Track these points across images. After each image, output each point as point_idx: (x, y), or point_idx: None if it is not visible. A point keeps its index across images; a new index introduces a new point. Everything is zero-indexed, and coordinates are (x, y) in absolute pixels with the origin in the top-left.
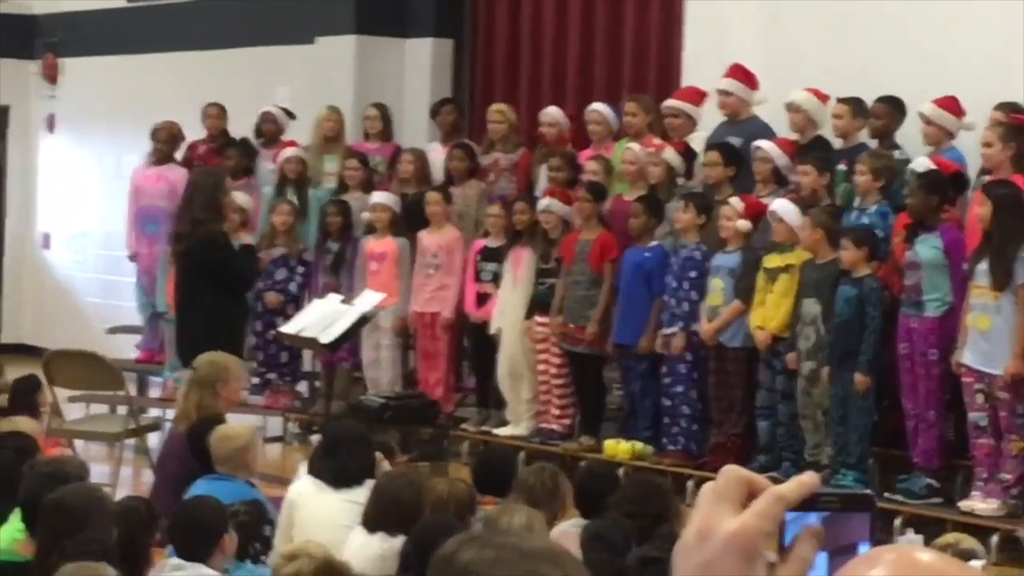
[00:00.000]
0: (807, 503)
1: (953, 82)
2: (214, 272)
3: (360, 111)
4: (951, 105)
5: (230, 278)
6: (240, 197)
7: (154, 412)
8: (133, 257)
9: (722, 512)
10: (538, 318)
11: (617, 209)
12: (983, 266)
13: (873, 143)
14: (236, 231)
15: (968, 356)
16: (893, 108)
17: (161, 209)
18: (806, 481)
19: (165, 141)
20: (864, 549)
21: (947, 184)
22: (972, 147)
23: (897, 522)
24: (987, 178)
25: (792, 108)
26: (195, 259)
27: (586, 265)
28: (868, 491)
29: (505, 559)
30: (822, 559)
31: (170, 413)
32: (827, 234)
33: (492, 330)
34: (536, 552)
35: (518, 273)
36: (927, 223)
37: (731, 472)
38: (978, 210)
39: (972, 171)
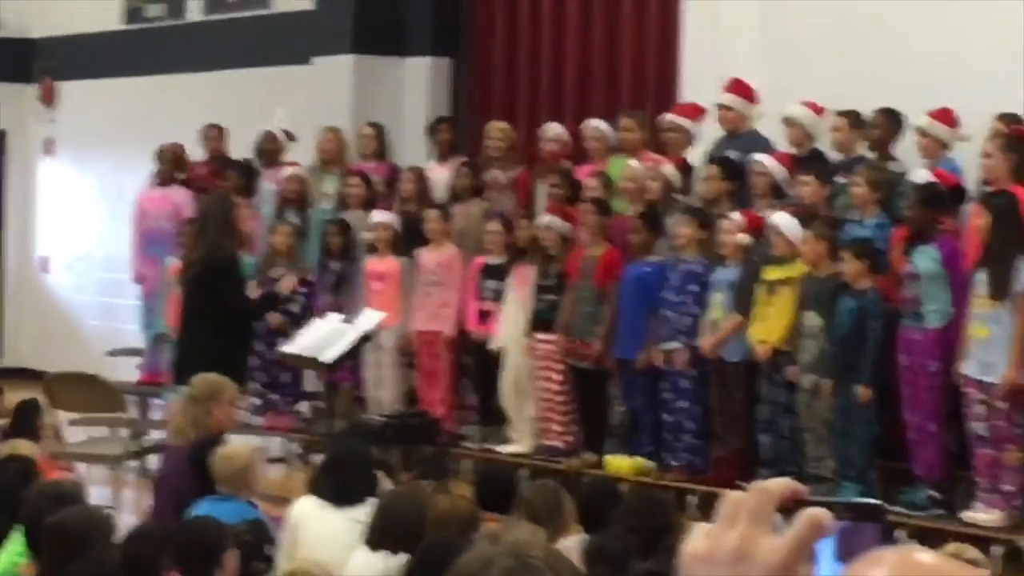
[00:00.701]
0: None
1: (952, 94)
2: (220, 299)
3: (357, 130)
4: (946, 117)
5: (236, 303)
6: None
7: (156, 434)
8: (138, 279)
9: (761, 535)
10: (539, 335)
11: (617, 225)
12: (982, 276)
13: (871, 156)
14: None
15: (968, 366)
16: (890, 120)
17: (165, 231)
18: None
19: (169, 162)
20: None
21: (945, 196)
22: (970, 158)
23: (900, 534)
24: (986, 189)
25: (789, 122)
26: (205, 285)
27: (591, 281)
28: (878, 501)
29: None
30: (837, 569)
31: None
32: (829, 246)
33: (494, 346)
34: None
35: (521, 290)
36: (925, 235)
37: (765, 492)
38: (977, 221)
39: (969, 182)
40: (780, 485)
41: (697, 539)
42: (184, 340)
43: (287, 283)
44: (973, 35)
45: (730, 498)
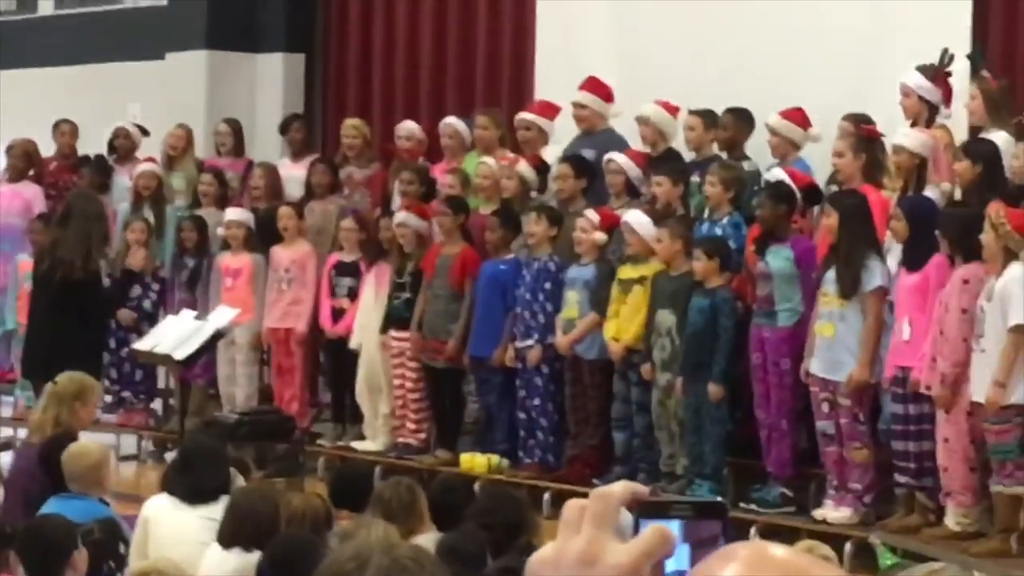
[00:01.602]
0: (660, 511)
1: (802, 93)
2: (84, 303)
3: (212, 126)
4: (797, 117)
5: (97, 304)
6: None
7: (5, 431)
8: None
9: (607, 540)
10: (393, 332)
11: (472, 223)
12: (831, 275)
13: (723, 155)
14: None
15: (814, 364)
16: (741, 120)
17: (15, 226)
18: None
19: (19, 157)
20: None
21: (794, 194)
22: (820, 158)
23: (752, 531)
24: (835, 188)
25: (642, 121)
26: (68, 287)
27: (447, 280)
28: (720, 499)
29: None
30: (684, 550)
31: (21, 432)
32: (683, 245)
33: (353, 344)
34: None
35: (379, 288)
36: (777, 233)
37: (608, 497)
38: (826, 220)
39: (820, 181)
40: (622, 488)
41: (544, 548)
42: (36, 335)
43: (125, 316)
44: (822, 35)
45: (572, 504)
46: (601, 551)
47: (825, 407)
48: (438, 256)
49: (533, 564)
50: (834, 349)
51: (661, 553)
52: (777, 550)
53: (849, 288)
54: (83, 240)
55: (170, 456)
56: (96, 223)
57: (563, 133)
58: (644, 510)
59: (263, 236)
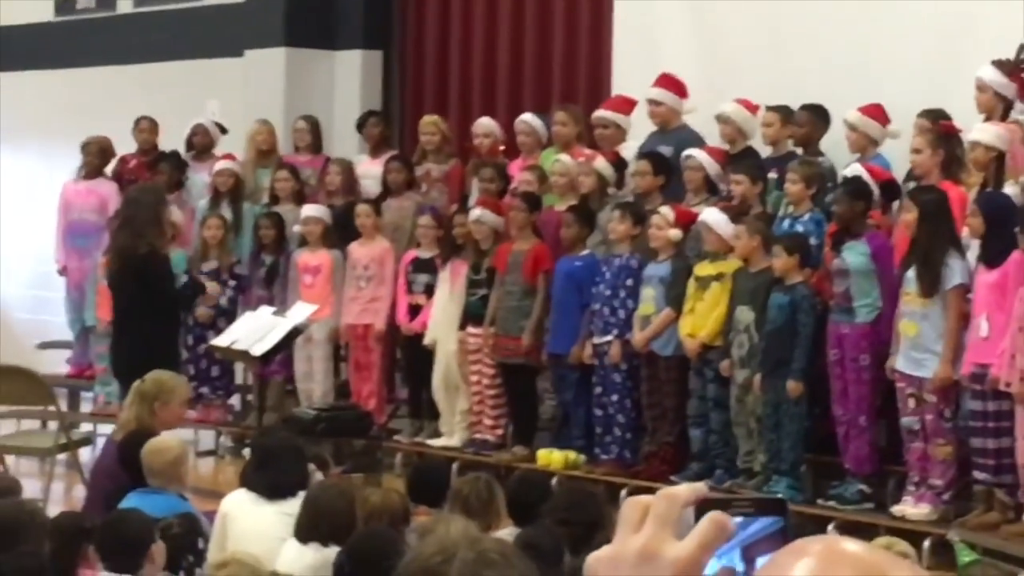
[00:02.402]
0: (721, 509)
1: (879, 90)
2: (151, 286)
3: (290, 123)
4: (876, 112)
5: (166, 294)
6: (173, 212)
7: (86, 427)
8: (63, 271)
9: (667, 537)
10: (471, 329)
11: (548, 219)
12: (911, 273)
13: (798, 151)
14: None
15: (900, 361)
16: (816, 116)
17: (91, 223)
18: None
19: (95, 155)
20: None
21: (870, 190)
22: (898, 154)
23: (830, 527)
24: (914, 185)
25: (722, 120)
26: (133, 276)
27: (520, 276)
28: (780, 496)
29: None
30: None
31: (102, 428)
32: (762, 241)
33: (427, 342)
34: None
35: (455, 284)
36: (853, 230)
37: (674, 498)
38: (905, 216)
39: (898, 178)
40: (688, 490)
41: (603, 548)
42: (118, 332)
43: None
44: (900, 32)
45: (632, 502)
46: (660, 547)
47: (911, 403)
48: (510, 253)
49: (591, 563)
50: (918, 347)
51: (719, 542)
52: (851, 545)
53: (929, 286)
54: (127, 224)
55: (248, 452)
56: (139, 206)
57: (638, 129)
58: (703, 508)
59: (340, 232)
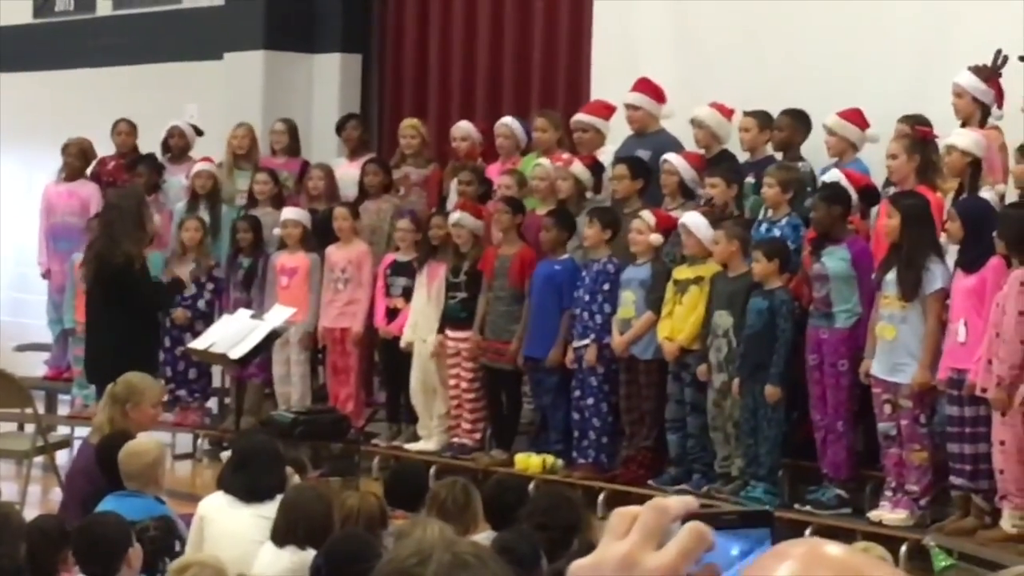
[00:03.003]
0: (708, 522)
1: (858, 95)
2: (126, 293)
3: (269, 127)
4: (855, 117)
5: (140, 300)
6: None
7: (63, 430)
8: (46, 274)
9: (649, 547)
10: (449, 332)
11: (529, 224)
12: (891, 276)
13: (778, 156)
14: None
15: (875, 366)
16: (797, 121)
17: (73, 226)
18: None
19: (76, 156)
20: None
21: (849, 195)
22: (878, 159)
23: (807, 532)
24: (892, 189)
25: (696, 123)
26: (108, 279)
27: (506, 280)
28: (767, 507)
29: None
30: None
31: (79, 431)
32: (741, 246)
33: (403, 344)
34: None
35: (432, 288)
36: (832, 235)
37: (663, 511)
38: (885, 221)
39: (878, 182)
40: (678, 504)
41: (586, 557)
42: (92, 336)
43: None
44: (879, 37)
45: (619, 512)
46: (640, 556)
47: (887, 409)
48: (496, 257)
49: (574, 570)
50: (895, 351)
51: (699, 551)
52: (832, 548)
53: (910, 290)
54: (106, 229)
55: (225, 455)
56: (120, 212)
57: (616, 133)
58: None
59: (320, 236)
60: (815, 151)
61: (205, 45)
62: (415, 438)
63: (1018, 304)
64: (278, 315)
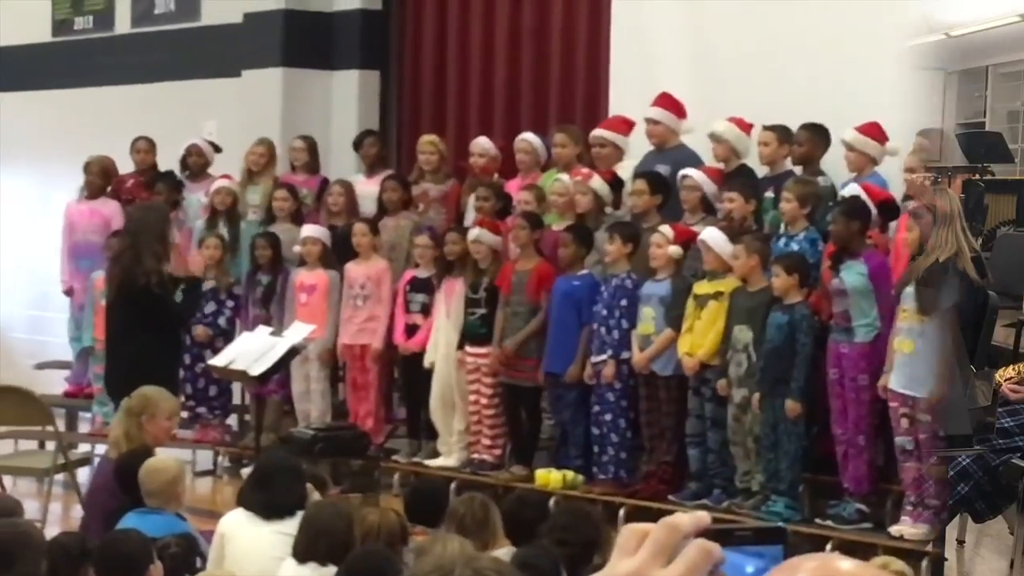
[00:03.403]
0: (721, 538)
1: (877, 109)
2: (147, 310)
3: (288, 143)
4: (874, 131)
5: (163, 317)
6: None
7: (84, 447)
8: (68, 292)
9: (658, 564)
10: (468, 348)
11: (547, 239)
12: (910, 290)
13: (798, 170)
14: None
15: (893, 380)
16: (816, 135)
17: (95, 244)
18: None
19: (97, 175)
20: None
21: (868, 209)
22: (898, 173)
23: (828, 547)
24: (911, 204)
25: (714, 138)
26: (131, 296)
27: (524, 296)
28: (781, 524)
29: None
30: None
31: (99, 448)
32: (760, 261)
33: (427, 362)
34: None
35: (451, 304)
36: (851, 249)
37: (675, 528)
38: (904, 234)
39: (897, 197)
40: (691, 520)
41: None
42: (113, 353)
43: (200, 332)
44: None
45: (629, 529)
46: (649, 573)
47: (905, 423)
48: (514, 273)
49: None
50: (914, 365)
51: (705, 567)
52: (845, 563)
53: (929, 303)
54: (131, 245)
55: (246, 471)
56: (144, 230)
57: (636, 148)
58: (704, 538)
59: (340, 253)
60: (835, 165)
61: (223, 62)
62: (435, 454)
63: None
64: (298, 332)
